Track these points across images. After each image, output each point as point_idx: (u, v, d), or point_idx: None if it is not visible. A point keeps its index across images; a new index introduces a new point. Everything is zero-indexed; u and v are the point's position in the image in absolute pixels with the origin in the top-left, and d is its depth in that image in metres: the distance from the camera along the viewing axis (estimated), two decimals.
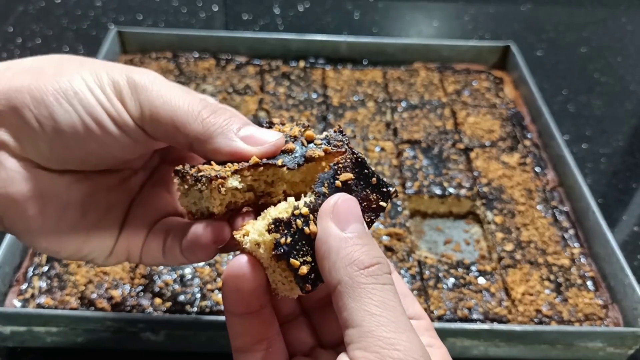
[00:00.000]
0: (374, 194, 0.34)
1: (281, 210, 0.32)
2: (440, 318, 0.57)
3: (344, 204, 0.31)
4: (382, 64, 0.92)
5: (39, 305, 0.56)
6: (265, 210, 0.33)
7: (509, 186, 0.72)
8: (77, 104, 0.33)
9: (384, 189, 0.34)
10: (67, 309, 0.55)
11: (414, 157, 0.75)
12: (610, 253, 0.61)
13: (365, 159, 0.34)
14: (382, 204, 0.34)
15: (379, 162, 0.74)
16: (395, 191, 0.35)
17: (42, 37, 1.00)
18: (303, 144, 0.35)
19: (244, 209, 0.36)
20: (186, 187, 0.36)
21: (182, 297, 0.57)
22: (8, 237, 0.58)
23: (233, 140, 0.34)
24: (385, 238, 0.64)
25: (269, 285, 0.33)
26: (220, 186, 0.33)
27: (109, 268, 0.59)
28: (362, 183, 0.34)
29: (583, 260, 0.64)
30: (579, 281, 0.62)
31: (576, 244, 0.66)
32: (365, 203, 0.34)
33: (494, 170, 0.74)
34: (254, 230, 0.32)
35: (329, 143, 0.35)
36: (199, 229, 0.36)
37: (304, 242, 0.31)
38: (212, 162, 0.35)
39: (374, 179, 0.34)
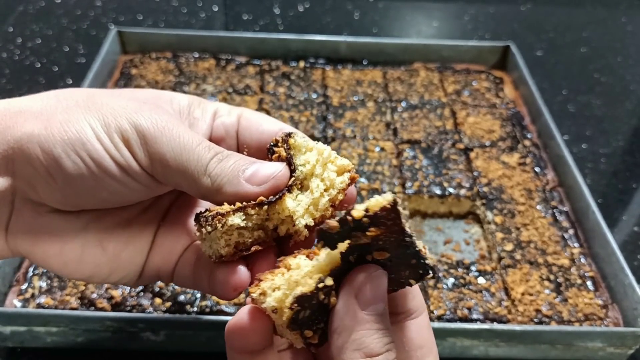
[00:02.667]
0: (408, 272, 0.31)
1: (304, 282, 0.30)
2: (440, 318, 0.57)
3: (372, 282, 0.30)
4: (382, 64, 0.92)
5: (39, 305, 0.56)
6: (283, 263, 0.31)
7: (509, 186, 0.72)
8: (85, 155, 0.32)
9: (421, 271, 0.31)
10: (67, 309, 0.55)
11: (414, 157, 0.75)
12: (610, 253, 0.62)
13: (414, 238, 0.29)
14: (412, 281, 0.31)
15: (379, 162, 0.74)
16: (434, 272, 0.31)
17: (42, 37, 1.01)
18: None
19: (253, 248, 0.35)
20: (202, 231, 0.34)
21: (182, 297, 0.57)
22: None
23: (239, 186, 0.34)
24: None
25: (273, 329, 0.32)
26: (217, 222, 0.32)
27: None
28: (398, 260, 0.30)
29: (583, 260, 0.64)
30: (579, 281, 0.62)
31: (576, 244, 0.66)
32: (394, 277, 0.31)
33: (494, 170, 0.74)
34: (273, 296, 0.30)
35: (373, 221, 0.29)
36: (218, 276, 0.35)
37: (322, 310, 0.30)
38: (225, 204, 0.34)
39: (414, 260, 0.30)
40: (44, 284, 0.57)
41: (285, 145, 0.35)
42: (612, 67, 1.03)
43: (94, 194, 0.34)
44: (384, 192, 0.69)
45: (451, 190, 0.71)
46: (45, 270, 0.58)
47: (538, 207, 0.70)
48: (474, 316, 0.58)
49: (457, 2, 1.20)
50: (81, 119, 0.33)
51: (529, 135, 0.80)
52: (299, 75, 0.88)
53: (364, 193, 0.69)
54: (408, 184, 0.71)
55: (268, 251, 0.36)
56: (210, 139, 0.39)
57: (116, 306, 0.56)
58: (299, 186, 0.35)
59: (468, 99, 0.87)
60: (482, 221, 0.69)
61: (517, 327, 0.54)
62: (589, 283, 0.62)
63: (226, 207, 0.33)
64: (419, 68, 0.92)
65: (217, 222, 0.32)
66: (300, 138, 0.35)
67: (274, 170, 0.34)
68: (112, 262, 0.37)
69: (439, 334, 0.54)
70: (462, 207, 0.71)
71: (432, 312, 0.58)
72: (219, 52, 0.90)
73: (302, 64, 0.91)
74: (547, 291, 0.60)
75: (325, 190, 0.34)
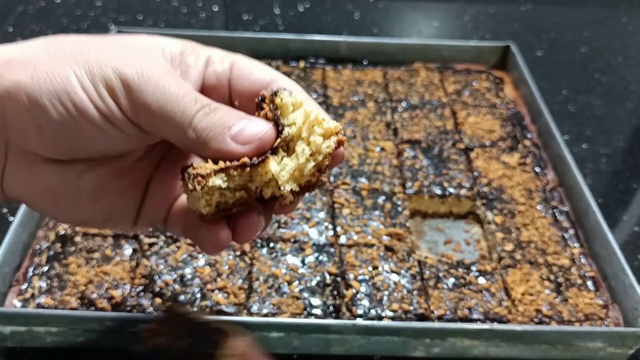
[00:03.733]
0: None
1: None
2: (440, 318, 0.57)
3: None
4: (382, 64, 0.92)
5: (39, 305, 0.55)
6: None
7: (509, 186, 0.72)
8: (70, 105, 0.32)
9: None
10: (67, 309, 0.55)
11: (414, 157, 0.75)
12: (610, 253, 0.61)
13: None
14: None
15: (379, 162, 0.74)
16: None
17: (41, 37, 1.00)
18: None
19: (234, 209, 0.34)
20: (186, 186, 0.34)
21: (182, 297, 0.57)
22: (8, 237, 0.58)
23: (224, 143, 0.33)
24: (385, 238, 0.64)
25: None
26: (197, 184, 0.32)
27: (110, 268, 0.59)
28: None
29: (583, 260, 0.64)
30: (579, 281, 0.62)
31: (576, 244, 0.66)
32: None
33: (494, 170, 0.74)
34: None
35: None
36: (199, 237, 0.36)
37: None
38: (209, 160, 0.33)
39: None
40: (43, 284, 0.57)
41: (271, 105, 0.34)
42: (612, 67, 1.03)
43: (82, 143, 0.34)
44: (384, 192, 0.69)
45: (451, 190, 0.71)
46: (45, 270, 0.58)
47: (538, 207, 0.70)
48: (474, 316, 0.58)
49: (457, 2, 1.20)
50: (67, 69, 0.33)
51: (529, 135, 0.80)
52: (299, 75, 0.88)
53: (364, 193, 0.69)
54: (408, 184, 0.71)
55: (252, 211, 0.36)
56: (202, 88, 0.38)
57: (116, 306, 0.56)
58: (285, 148, 0.34)
59: (468, 99, 0.86)
60: (483, 221, 0.69)
61: (518, 327, 0.54)
62: (589, 283, 0.62)
63: (209, 166, 0.32)
64: (419, 68, 0.92)
65: (197, 183, 0.32)
66: (287, 96, 0.34)
67: (260, 129, 0.33)
68: (106, 211, 0.38)
69: (439, 334, 0.54)
70: (463, 207, 0.71)
71: (432, 312, 0.58)
72: None
73: (302, 64, 0.91)
74: (547, 291, 0.60)
75: (312, 154, 0.33)
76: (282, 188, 0.33)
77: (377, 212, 0.67)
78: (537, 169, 0.75)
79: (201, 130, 0.33)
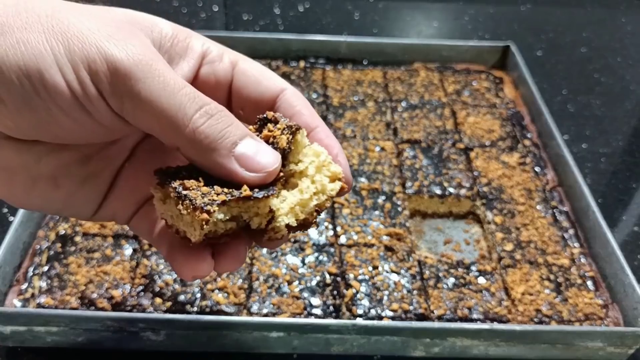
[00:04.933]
0: None
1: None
2: (440, 318, 0.57)
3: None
4: (382, 64, 0.92)
5: (39, 305, 0.56)
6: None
7: (509, 186, 0.72)
8: (41, 87, 0.27)
9: None
10: (68, 309, 0.55)
11: (414, 157, 0.75)
12: (610, 253, 0.62)
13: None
14: None
15: (379, 162, 0.74)
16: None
17: None
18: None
19: (222, 240, 0.32)
20: (165, 195, 0.31)
21: (182, 297, 0.57)
22: (8, 237, 0.58)
23: (227, 160, 0.30)
24: (385, 238, 0.64)
25: None
26: (204, 222, 0.29)
27: (110, 268, 0.59)
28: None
29: (583, 260, 0.64)
30: (579, 281, 0.62)
31: (576, 244, 0.66)
32: None
33: (494, 170, 0.74)
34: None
35: None
36: (177, 260, 0.32)
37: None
38: (200, 177, 0.31)
39: None
40: (44, 284, 0.57)
41: (289, 137, 0.32)
42: (612, 67, 1.03)
43: (48, 127, 0.29)
44: (384, 192, 0.69)
45: (451, 190, 0.71)
46: (45, 270, 0.58)
47: (538, 207, 0.70)
48: (474, 316, 0.58)
49: (457, 2, 1.20)
50: (42, 41, 0.27)
51: (528, 135, 0.80)
52: (299, 75, 0.88)
53: (364, 193, 0.69)
54: (408, 183, 0.71)
55: (239, 242, 0.33)
56: (195, 85, 0.33)
57: (116, 306, 0.56)
58: (283, 182, 0.33)
59: (468, 99, 0.87)
60: (482, 221, 0.69)
61: (517, 327, 0.54)
62: (589, 283, 0.62)
63: (202, 189, 0.30)
64: (419, 68, 0.92)
65: (196, 213, 0.29)
66: (304, 136, 0.33)
67: (272, 162, 0.31)
68: (65, 199, 0.33)
69: (439, 334, 0.54)
70: (462, 207, 0.71)
71: (432, 312, 0.58)
72: None
73: (302, 64, 0.91)
74: (547, 291, 0.60)
75: (315, 193, 0.33)
76: (279, 221, 0.32)
77: (377, 212, 0.67)
78: (537, 169, 0.75)
79: (202, 135, 0.29)
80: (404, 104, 0.84)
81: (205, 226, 0.29)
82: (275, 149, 0.32)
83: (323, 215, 0.66)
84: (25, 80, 0.27)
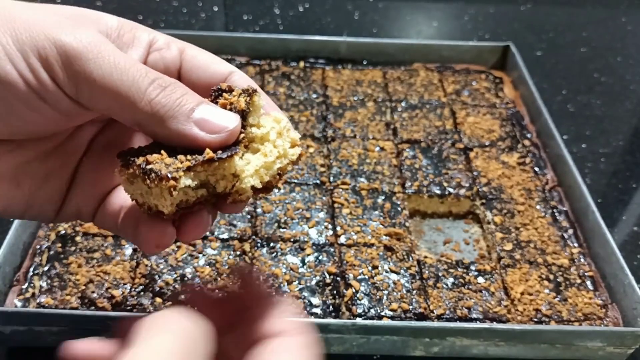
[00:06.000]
0: None
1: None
2: (439, 317, 0.57)
3: None
4: (382, 64, 0.92)
5: (40, 305, 0.56)
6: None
7: (509, 186, 0.72)
8: None
9: None
10: (68, 309, 0.55)
11: (413, 156, 0.75)
12: (609, 253, 0.62)
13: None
14: None
15: (378, 162, 0.74)
16: None
17: None
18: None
19: (195, 208, 0.33)
20: (131, 175, 0.31)
21: (182, 297, 0.57)
22: (8, 237, 0.58)
23: (186, 126, 0.30)
24: (384, 238, 0.64)
25: None
26: (172, 189, 0.29)
27: (110, 268, 0.59)
28: None
29: (582, 260, 0.64)
30: (579, 281, 0.62)
31: (575, 244, 0.66)
32: None
33: (494, 170, 0.74)
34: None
35: None
36: (141, 234, 0.33)
37: None
38: (162, 150, 0.31)
39: None
40: (44, 284, 0.57)
41: (247, 98, 0.33)
42: (612, 67, 1.03)
43: (7, 122, 0.29)
44: (384, 192, 0.69)
45: (451, 190, 0.71)
46: (45, 270, 0.59)
47: (537, 206, 0.70)
48: (474, 316, 0.58)
49: (457, 2, 1.20)
50: None
51: (528, 135, 0.81)
52: (299, 75, 0.88)
53: (363, 193, 0.69)
54: (408, 183, 0.71)
55: (200, 208, 0.33)
56: None
57: (116, 306, 0.56)
58: (244, 145, 0.34)
59: (468, 99, 0.87)
60: (482, 221, 0.69)
61: (517, 327, 0.54)
62: (588, 283, 0.62)
63: (166, 160, 0.30)
64: (419, 68, 0.92)
65: (161, 183, 0.29)
66: (260, 99, 0.34)
67: (230, 121, 0.31)
68: (28, 198, 0.33)
69: (438, 333, 0.54)
70: (462, 206, 0.71)
71: (431, 311, 0.58)
72: (219, 52, 0.90)
73: (302, 64, 0.91)
74: (546, 291, 0.60)
75: (277, 157, 0.34)
76: (245, 182, 0.33)
77: (376, 212, 0.67)
78: (537, 169, 0.75)
79: (158, 105, 0.29)
80: (403, 104, 0.85)
81: (174, 192, 0.29)
82: (234, 112, 0.33)
83: (322, 215, 0.66)
84: None
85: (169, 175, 0.29)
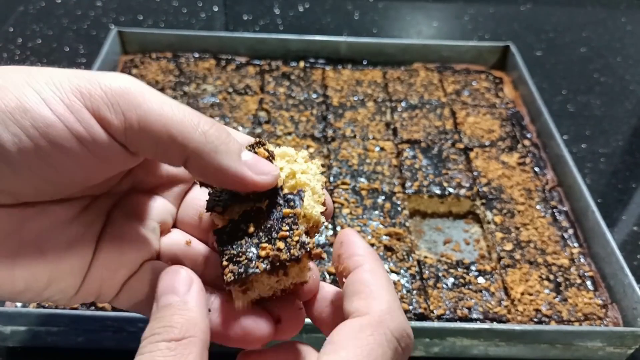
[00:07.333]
0: None
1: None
2: (439, 317, 0.57)
3: None
4: (382, 64, 0.92)
5: (40, 305, 0.56)
6: None
7: (509, 186, 0.72)
8: (29, 125, 0.26)
9: None
10: (68, 309, 0.55)
11: (413, 157, 0.75)
12: (609, 253, 0.62)
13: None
14: None
15: (378, 162, 0.74)
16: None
17: (42, 37, 1.01)
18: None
19: (274, 297, 0.32)
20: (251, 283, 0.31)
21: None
22: None
23: (237, 163, 0.29)
24: (385, 238, 0.64)
25: None
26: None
27: None
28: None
29: (582, 260, 0.64)
30: (579, 281, 0.62)
31: (575, 244, 0.66)
32: None
33: (494, 170, 0.74)
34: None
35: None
36: (246, 324, 0.32)
37: None
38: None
39: None
40: None
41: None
42: (611, 67, 1.03)
43: (38, 173, 0.27)
44: (384, 192, 0.69)
45: (451, 190, 0.71)
46: None
47: (537, 206, 0.70)
48: (474, 316, 0.58)
49: (457, 2, 1.20)
50: (23, 84, 0.26)
51: (528, 135, 0.81)
52: (299, 75, 0.88)
53: (364, 193, 0.69)
54: (408, 183, 0.71)
55: (293, 299, 0.33)
56: None
57: None
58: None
59: (468, 99, 0.87)
60: (482, 221, 0.69)
61: (517, 327, 0.54)
62: (588, 283, 0.62)
63: (249, 250, 0.30)
64: (419, 68, 0.92)
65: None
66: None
67: (273, 167, 0.32)
68: (51, 271, 0.30)
69: (438, 333, 0.54)
70: (462, 207, 0.71)
71: (432, 311, 0.58)
72: (219, 52, 0.90)
73: (302, 64, 0.91)
74: (546, 291, 0.60)
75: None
76: (320, 220, 0.33)
77: (376, 212, 0.67)
78: (537, 169, 0.75)
79: (212, 137, 0.29)
80: (403, 104, 0.85)
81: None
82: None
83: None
84: (9, 122, 0.25)
85: (308, 249, 0.30)
